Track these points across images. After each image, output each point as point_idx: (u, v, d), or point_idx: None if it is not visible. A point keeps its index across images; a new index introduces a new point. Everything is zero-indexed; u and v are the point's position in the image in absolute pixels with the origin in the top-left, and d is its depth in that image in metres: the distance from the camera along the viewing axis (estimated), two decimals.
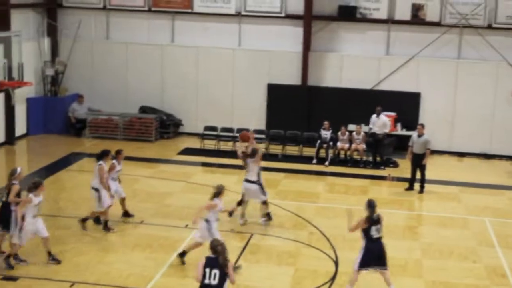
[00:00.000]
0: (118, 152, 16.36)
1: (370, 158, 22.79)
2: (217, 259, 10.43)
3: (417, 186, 20.15)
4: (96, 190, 15.56)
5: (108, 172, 15.80)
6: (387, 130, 22.39)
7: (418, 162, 19.93)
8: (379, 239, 12.74)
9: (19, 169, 13.79)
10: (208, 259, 10.47)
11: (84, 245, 14.97)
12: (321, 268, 14.33)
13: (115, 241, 15.36)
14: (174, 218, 16.86)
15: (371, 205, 12.77)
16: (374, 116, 22.42)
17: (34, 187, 13.44)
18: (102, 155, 15.68)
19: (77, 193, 17.92)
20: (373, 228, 12.65)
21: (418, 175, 20.12)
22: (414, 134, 20.31)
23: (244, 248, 15.26)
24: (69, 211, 16.84)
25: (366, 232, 12.65)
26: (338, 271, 14.21)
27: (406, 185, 20.37)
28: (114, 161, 16.11)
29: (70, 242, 14.99)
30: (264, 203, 16.63)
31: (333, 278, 13.85)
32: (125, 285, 13.09)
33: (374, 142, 22.60)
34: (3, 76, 21.94)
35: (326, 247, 15.48)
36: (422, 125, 20.27)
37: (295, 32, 25.32)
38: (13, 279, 13.13)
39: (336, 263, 14.59)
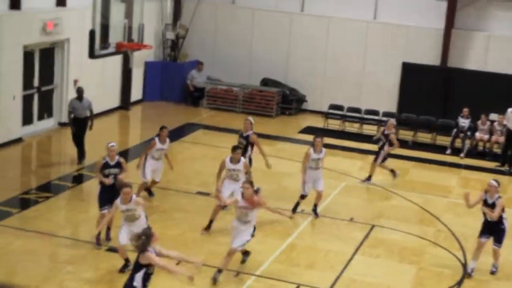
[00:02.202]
0: (161, 129, 16.02)
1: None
2: None
3: None
4: None
5: (148, 150, 15.89)
6: None
7: None
8: None
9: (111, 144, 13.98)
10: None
11: (191, 222, 15.22)
12: (447, 270, 14.05)
13: (227, 221, 15.55)
14: (290, 201, 16.80)
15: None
16: (509, 110, 21.54)
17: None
18: None
19: (188, 166, 18.27)
20: None
21: None
22: None
23: (363, 240, 15.15)
24: (180, 185, 17.20)
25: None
26: (465, 275, 13.87)
27: None
28: (155, 138, 15.94)
29: (176, 218, 15.33)
30: None
31: (459, 283, 13.53)
32: (234, 268, 13.23)
33: (507, 139, 21.72)
34: (123, 37, 22.52)
35: (454, 247, 15.15)
36: None
37: (438, 7, 24.79)
38: (117, 251, 13.55)
39: (465, 266, 14.23)
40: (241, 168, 14.91)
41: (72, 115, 18.54)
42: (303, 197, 16.18)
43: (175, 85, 26.23)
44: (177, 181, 17.35)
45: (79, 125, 18.48)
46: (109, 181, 13.67)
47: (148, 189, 16.28)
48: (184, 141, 20.95)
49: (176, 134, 21.77)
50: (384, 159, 18.92)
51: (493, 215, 13.53)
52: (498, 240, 13.75)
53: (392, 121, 19.13)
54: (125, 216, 12.58)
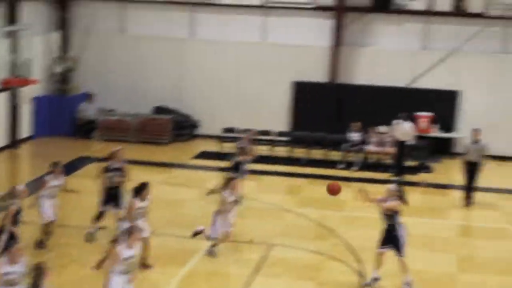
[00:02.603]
0: (54, 166, 15.64)
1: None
2: None
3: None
4: None
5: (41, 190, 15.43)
6: (410, 139, 22.08)
7: (474, 172, 19.33)
8: None
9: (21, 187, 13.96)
10: None
11: (87, 256, 14.98)
12: (345, 282, 14.29)
13: None
14: (188, 228, 16.75)
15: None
16: (397, 121, 22.21)
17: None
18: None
19: (83, 200, 18.03)
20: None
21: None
22: (467, 140, 19.72)
23: (263, 261, 15.28)
24: (74, 220, 16.98)
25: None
26: (366, 285, 14.16)
27: (441, 192, 20.34)
28: (47, 176, 15.50)
29: (72, 254, 15.13)
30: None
31: None
32: None
33: (397, 149, 22.35)
34: (9, 73, 22.15)
35: (352, 260, 15.45)
36: (478, 130, 19.55)
37: (325, 25, 25.35)
38: None
39: (362, 277, 14.53)
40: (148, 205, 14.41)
41: None
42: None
43: (65, 118, 25.88)
44: (71, 216, 17.13)
45: None
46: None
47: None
48: (77, 176, 20.65)
49: (69, 169, 21.29)
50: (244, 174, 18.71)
51: (385, 205, 13.58)
52: (399, 250, 13.80)
53: (249, 134, 19.48)
54: (5, 280, 10.96)
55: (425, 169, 22.88)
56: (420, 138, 23.41)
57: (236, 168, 18.67)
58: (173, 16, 26.48)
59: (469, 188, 19.54)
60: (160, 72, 26.40)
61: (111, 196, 15.77)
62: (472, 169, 19.37)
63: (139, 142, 25.01)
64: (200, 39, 26.27)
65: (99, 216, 15.97)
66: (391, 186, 14.03)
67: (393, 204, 13.64)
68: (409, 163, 22.73)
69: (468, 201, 19.53)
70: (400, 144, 22.02)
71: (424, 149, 23.53)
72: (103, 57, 26.73)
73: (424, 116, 24.03)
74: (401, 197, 13.74)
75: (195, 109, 26.19)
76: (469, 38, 24.45)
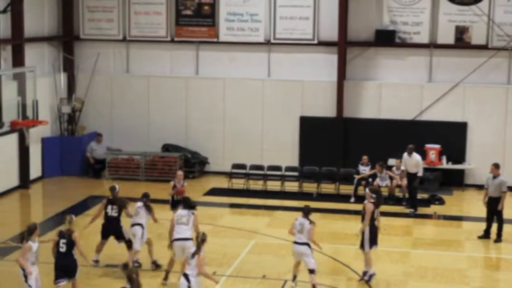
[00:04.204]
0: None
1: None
2: None
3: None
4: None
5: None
6: (419, 171, 21.87)
7: (494, 207, 19.10)
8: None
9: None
10: None
11: None
12: None
13: None
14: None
15: (377, 191, 16.56)
16: (405, 154, 22.05)
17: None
18: None
19: (96, 239, 17.99)
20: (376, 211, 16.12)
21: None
22: (489, 175, 19.36)
23: None
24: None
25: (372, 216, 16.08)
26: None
27: (454, 223, 20.18)
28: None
29: None
30: None
31: None
32: None
33: (408, 181, 22.24)
34: (17, 115, 22.21)
35: None
36: (496, 165, 19.24)
37: (329, 60, 25.41)
38: None
39: None
40: None
41: None
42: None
43: (74, 158, 25.97)
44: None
45: None
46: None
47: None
48: (88, 215, 20.51)
49: (80, 208, 21.47)
50: None
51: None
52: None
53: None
54: None
55: (437, 201, 22.78)
56: (429, 170, 23.40)
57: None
58: (178, 54, 26.61)
59: (491, 224, 19.30)
60: (166, 111, 26.43)
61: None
62: (493, 204, 19.11)
63: (149, 181, 25.07)
64: (204, 76, 26.36)
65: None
66: (367, 190, 16.48)
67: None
68: (421, 195, 22.64)
69: (488, 236, 19.24)
70: (411, 177, 21.97)
71: (435, 181, 23.54)
72: (108, 98, 26.83)
73: (433, 148, 24.02)
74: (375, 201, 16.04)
75: (203, 146, 26.20)
76: (473, 70, 24.51)
